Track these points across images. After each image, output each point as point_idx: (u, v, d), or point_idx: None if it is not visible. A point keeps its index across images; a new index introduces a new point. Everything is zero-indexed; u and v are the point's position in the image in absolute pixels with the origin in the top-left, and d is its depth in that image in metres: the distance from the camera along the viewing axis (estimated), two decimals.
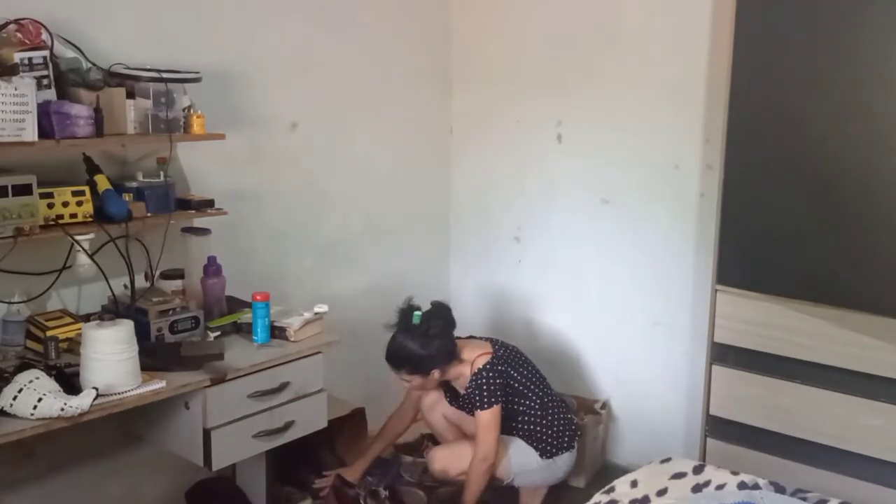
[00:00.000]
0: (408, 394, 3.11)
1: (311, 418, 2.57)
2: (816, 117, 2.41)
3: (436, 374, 2.87)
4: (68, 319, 2.42)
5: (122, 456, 2.75)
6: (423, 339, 2.83)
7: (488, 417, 2.82)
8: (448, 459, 2.94)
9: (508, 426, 2.94)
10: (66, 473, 2.62)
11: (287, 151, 3.15)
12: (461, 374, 2.90)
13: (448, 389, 3.07)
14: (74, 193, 2.33)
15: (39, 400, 1.96)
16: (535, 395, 2.96)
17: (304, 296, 3.10)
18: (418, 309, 2.89)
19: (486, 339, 3.03)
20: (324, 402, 2.60)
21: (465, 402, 3.00)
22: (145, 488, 2.84)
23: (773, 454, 2.70)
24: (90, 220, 2.35)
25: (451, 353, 2.88)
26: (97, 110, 2.30)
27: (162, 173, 2.58)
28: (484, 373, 2.84)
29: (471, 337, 3.09)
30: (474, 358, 2.89)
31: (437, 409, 3.10)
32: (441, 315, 2.90)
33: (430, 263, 3.83)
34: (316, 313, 2.65)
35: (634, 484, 2.41)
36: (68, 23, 2.40)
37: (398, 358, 2.87)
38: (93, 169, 2.41)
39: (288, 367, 2.49)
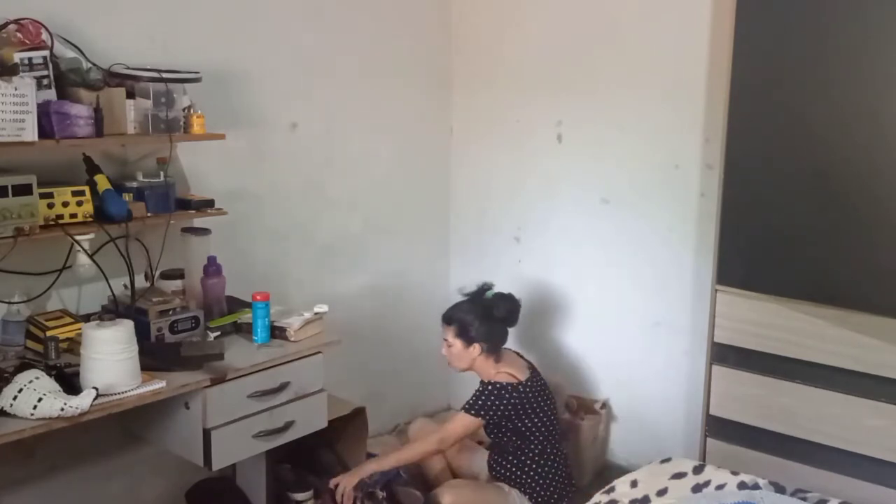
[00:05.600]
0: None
1: (311, 418, 2.57)
2: (816, 117, 2.41)
3: (476, 349, 2.90)
4: (68, 319, 2.42)
5: (122, 456, 2.75)
6: (484, 311, 2.90)
7: (465, 421, 2.82)
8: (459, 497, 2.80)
9: (499, 460, 2.92)
10: (66, 473, 2.62)
11: (287, 151, 3.15)
12: (484, 373, 2.91)
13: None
14: (74, 193, 2.33)
15: (39, 400, 1.96)
16: (537, 443, 2.87)
17: (304, 296, 3.10)
18: (489, 290, 2.98)
19: (528, 365, 2.99)
20: (324, 402, 2.60)
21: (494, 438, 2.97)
22: (145, 488, 2.84)
23: (773, 454, 2.69)
24: (90, 220, 2.35)
25: (496, 343, 2.92)
26: (97, 110, 2.30)
27: (162, 173, 2.58)
28: (490, 388, 2.81)
29: (518, 354, 3.08)
30: (500, 371, 2.87)
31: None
32: (510, 305, 2.95)
33: (430, 263, 3.83)
34: (316, 313, 2.65)
35: (634, 484, 2.41)
36: (68, 23, 2.40)
37: (454, 314, 2.93)
38: (93, 169, 2.41)
39: (288, 367, 2.49)
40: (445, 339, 2.95)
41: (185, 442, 2.37)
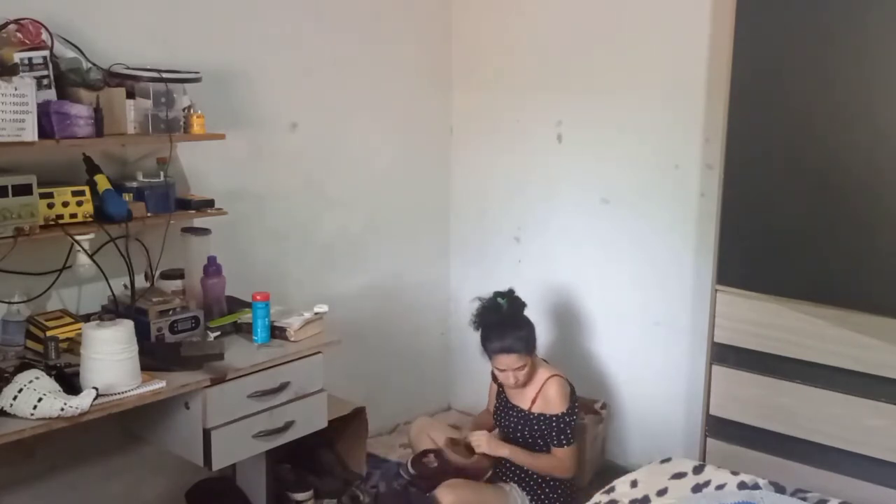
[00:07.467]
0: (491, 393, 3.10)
1: (311, 418, 2.57)
2: (817, 117, 2.41)
3: (537, 355, 2.91)
4: (68, 319, 2.42)
5: (122, 456, 2.75)
6: (524, 317, 2.89)
7: (571, 452, 2.82)
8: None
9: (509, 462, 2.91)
10: (66, 473, 2.62)
11: (287, 151, 3.15)
12: (540, 376, 2.86)
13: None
14: (74, 193, 2.33)
15: (39, 400, 1.96)
16: None
17: (304, 296, 3.10)
18: (500, 296, 2.93)
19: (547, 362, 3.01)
20: (324, 402, 2.60)
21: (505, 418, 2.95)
22: (145, 488, 2.84)
23: (773, 454, 2.69)
24: (90, 220, 2.35)
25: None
26: (97, 110, 2.30)
27: (162, 173, 2.58)
28: (566, 416, 2.80)
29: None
30: (553, 373, 2.86)
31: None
32: (516, 297, 2.94)
33: (430, 263, 3.83)
34: (316, 313, 2.65)
35: (634, 484, 2.41)
36: (68, 23, 2.41)
37: (516, 338, 2.79)
38: (93, 169, 2.41)
39: (288, 367, 2.49)
40: (516, 369, 2.81)
41: (185, 442, 2.37)
